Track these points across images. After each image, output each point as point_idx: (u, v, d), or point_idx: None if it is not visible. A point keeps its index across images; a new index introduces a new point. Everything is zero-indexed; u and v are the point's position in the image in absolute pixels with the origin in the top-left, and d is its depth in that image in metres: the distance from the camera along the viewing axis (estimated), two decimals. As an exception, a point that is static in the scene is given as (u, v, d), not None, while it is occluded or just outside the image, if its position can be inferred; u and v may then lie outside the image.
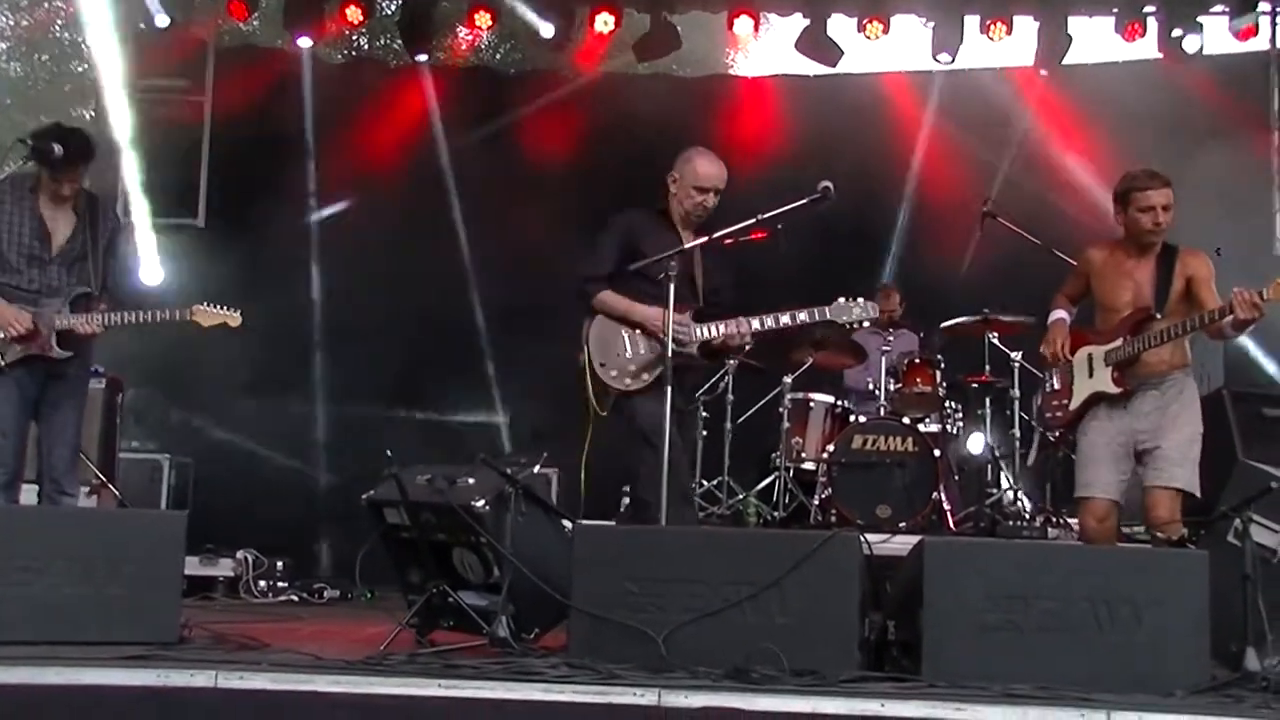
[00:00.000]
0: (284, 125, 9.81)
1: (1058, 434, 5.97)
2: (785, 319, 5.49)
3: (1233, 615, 4.22)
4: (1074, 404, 5.61)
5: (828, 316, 5.49)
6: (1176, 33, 8.96)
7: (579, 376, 5.54)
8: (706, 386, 8.01)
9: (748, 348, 5.75)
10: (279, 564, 7.74)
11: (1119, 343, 5.46)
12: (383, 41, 17.31)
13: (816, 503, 7.73)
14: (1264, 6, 9.07)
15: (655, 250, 5.43)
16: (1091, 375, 5.55)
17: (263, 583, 7.59)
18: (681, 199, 5.62)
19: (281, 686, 3.81)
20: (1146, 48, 9.20)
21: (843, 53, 9.39)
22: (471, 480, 4.78)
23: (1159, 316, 5.39)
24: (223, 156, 9.62)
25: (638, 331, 5.51)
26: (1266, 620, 4.21)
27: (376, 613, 5.82)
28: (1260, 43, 9.13)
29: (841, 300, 5.50)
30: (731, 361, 7.75)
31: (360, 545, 5.08)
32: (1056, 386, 5.75)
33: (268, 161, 9.72)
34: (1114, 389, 5.46)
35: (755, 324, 5.51)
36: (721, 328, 5.51)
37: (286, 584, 7.68)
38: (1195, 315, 5.28)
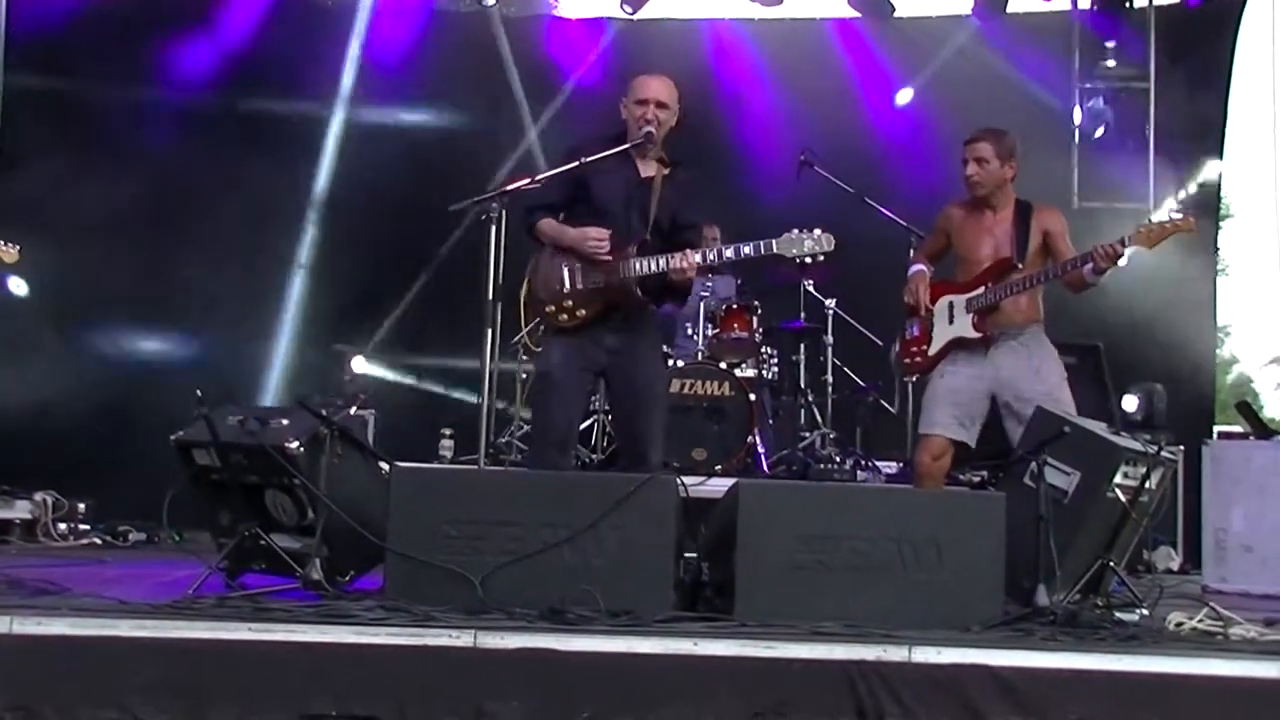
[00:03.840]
0: (82, 53, 9.30)
1: (913, 379, 6.13)
2: (729, 253, 5.28)
3: (1026, 553, 4.42)
4: (933, 350, 5.76)
5: (775, 250, 5.23)
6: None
7: (519, 310, 5.46)
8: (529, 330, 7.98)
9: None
10: (81, 506, 7.46)
11: (980, 290, 5.62)
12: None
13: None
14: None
15: (601, 178, 5.32)
16: (952, 322, 5.70)
17: (63, 525, 7.30)
18: (629, 121, 5.37)
19: (82, 632, 3.69)
20: (961, 2, 9.47)
21: None
22: (285, 421, 4.67)
23: (1020, 267, 5.57)
24: (13, 85, 9.08)
25: (577, 265, 5.33)
26: (1056, 558, 4.43)
27: (185, 556, 5.66)
28: (1063, 2, 9.46)
29: (794, 232, 5.23)
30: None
31: (168, 487, 4.92)
32: (915, 333, 5.86)
33: (65, 92, 9.22)
34: (974, 334, 5.61)
35: (696, 258, 5.23)
36: (662, 262, 5.24)
37: (89, 526, 7.42)
38: (1055, 264, 5.51)
